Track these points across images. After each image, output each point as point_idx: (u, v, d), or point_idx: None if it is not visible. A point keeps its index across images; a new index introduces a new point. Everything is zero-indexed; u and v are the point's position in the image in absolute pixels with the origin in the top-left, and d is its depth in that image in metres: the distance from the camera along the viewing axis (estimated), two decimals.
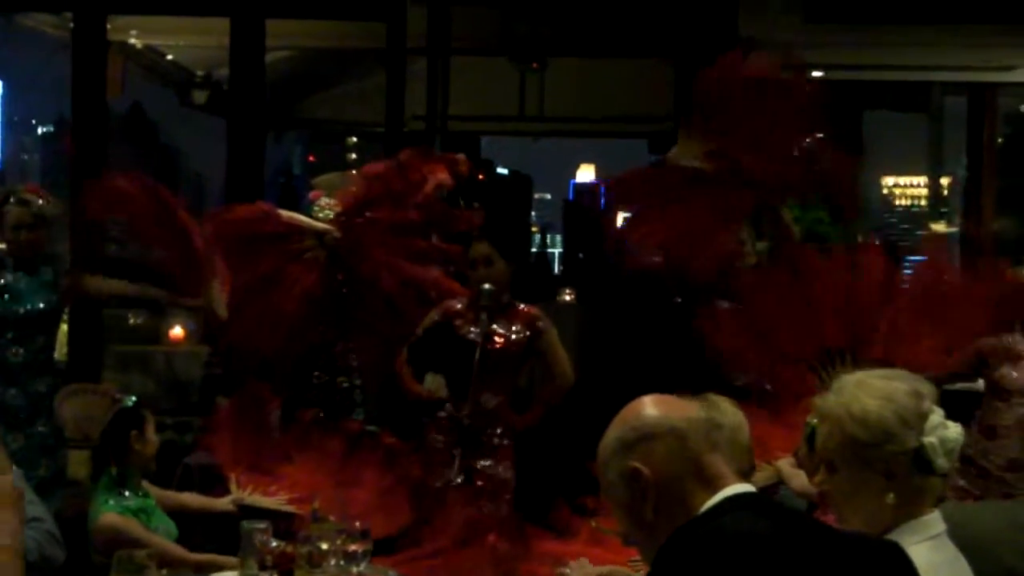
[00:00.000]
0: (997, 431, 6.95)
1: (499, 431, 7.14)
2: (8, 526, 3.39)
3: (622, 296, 9.03)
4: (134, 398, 5.19)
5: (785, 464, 4.89)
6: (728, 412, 4.20)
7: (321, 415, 7.24)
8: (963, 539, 3.23)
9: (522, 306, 7.21)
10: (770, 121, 7.04)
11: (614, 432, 2.85)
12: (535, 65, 11.19)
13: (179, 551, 4.98)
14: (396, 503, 6.82)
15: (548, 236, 18.48)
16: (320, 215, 7.45)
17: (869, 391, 3.17)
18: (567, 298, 11.76)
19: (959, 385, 6.73)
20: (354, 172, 8.37)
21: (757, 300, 7.16)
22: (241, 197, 8.48)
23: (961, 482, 6.67)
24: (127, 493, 5.08)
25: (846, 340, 6.81)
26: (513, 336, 7.11)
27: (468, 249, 7.18)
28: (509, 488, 7.15)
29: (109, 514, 4.91)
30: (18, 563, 3.29)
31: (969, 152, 11.86)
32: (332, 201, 7.48)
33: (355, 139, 11.84)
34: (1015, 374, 6.95)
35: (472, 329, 7.01)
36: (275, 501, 6.06)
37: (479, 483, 7.09)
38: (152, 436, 5.24)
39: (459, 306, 7.10)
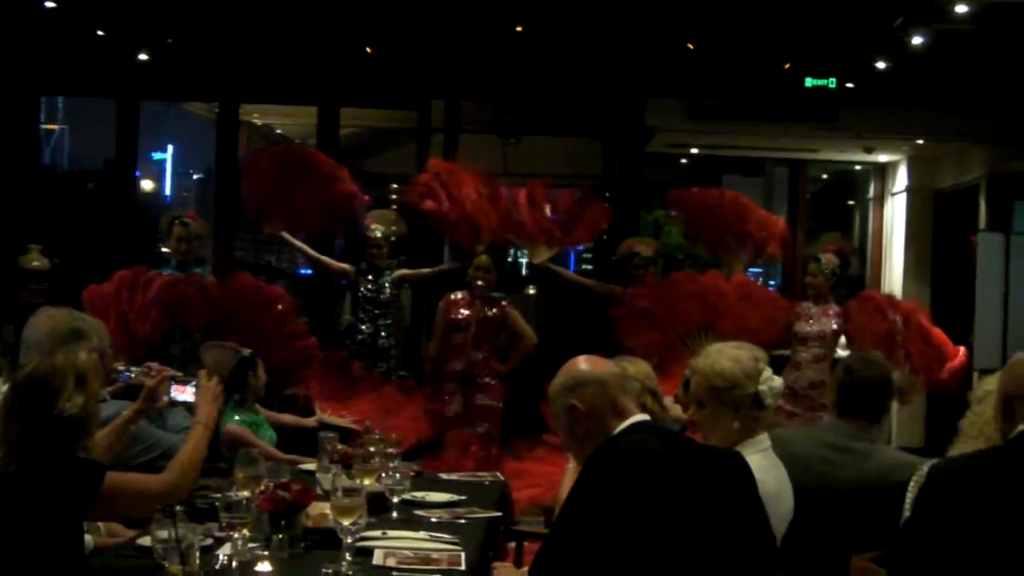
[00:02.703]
0: (801, 364, 7.08)
1: (487, 375, 7.19)
2: (212, 415, 3.49)
3: (566, 291, 9.00)
4: (250, 350, 5.15)
5: (668, 401, 4.87)
6: (641, 366, 4.17)
7: (365, 364, 7.28)
8: (786, 456, 3.24)
9: (499, 299, 7.32)
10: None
11: (559, 379, 2.87)
12: (513, 140, 11.15)
13: (276, 452, 4.95)
14: (420, 425, 6.83)
15: (518, 251, 18.41)
16: (371, 235, 7.46)
17: (725, 355, 3.21)
18: (531, 291, 11.72)
19: (777, 352, 6.81)
20: (394, 207, 8.38)
21: (652, 297, 7.27)
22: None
23: (785, 405, 6.76)
24: (244, 411, 5.06)
25: (706, 323, 6.98)
26: (493, 315, 7.20)
27: (474, 258, 7.25)
28: (498, 412, 7.21)
29: (231, 425, 4.89)
30: (208, 435, 3.42)
31: (789, 203, 11.84)
32: (380, 226, 7.48)
33: (396, 186, 11.71)
34: (807, 328, 7.15)
35: (464, 311, 7.14)
36: (344, 421, 6.03)
37: (475, 412, 7.14)
38: (262, 375, 5.20)
39: (453, 297, 7.25)
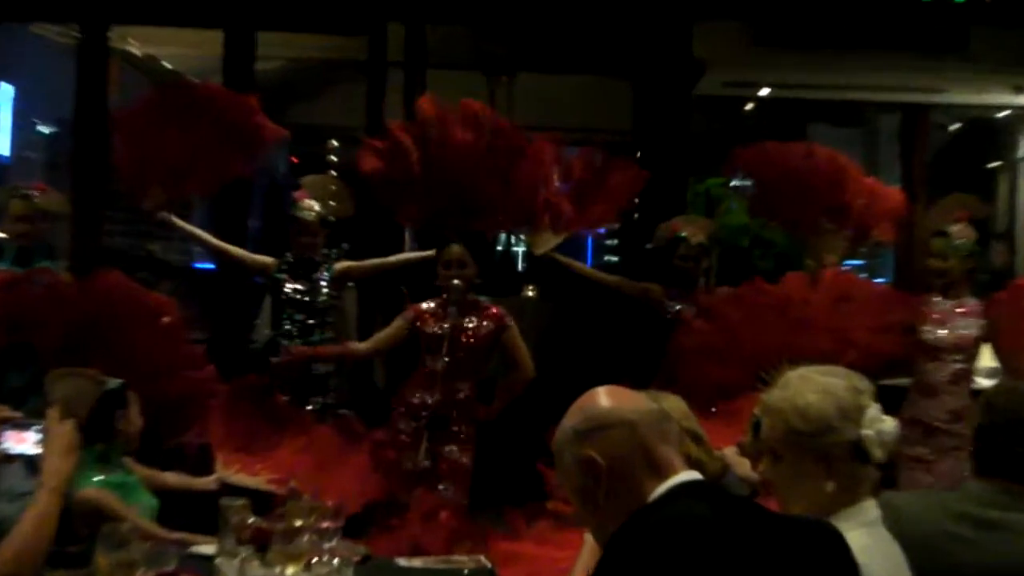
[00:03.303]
0: (935, 388, 7.01)
1: (463, 420, 7.14)
2: (63, 473, 3.50)
3: (581, 293, 8.98)
4: (120, 381, 5.11)
5: (730, 452, 4.83)
6: (672, 401, 4.13)
7: (292, 397, 7.25)
8: (903, 532, 3.17)
9: (490, 305, 7.26)
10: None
11: (570, 421, 2.82)
12: (504, 78, 11.17)
13: (155, 528, 4.90)
14: (370, 484, 6.78)
15: (513, 236, 18.45)
16: (302, 215, 7.43)
17: (811, 386, 3.15)
18: (530, 294, 11.74)
19: (887, 381, 6.72)
20: (334, 173, 8.32)
21: (724, 314, 7.15)
22: (228, 191, 8.37)
23: (916, 450, 6.72)
24: (110, 469, 5.04)
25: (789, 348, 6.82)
26: (482, 330, 7.13)
27: (442, 251, 7.18)
28: (468, 473, 7.15)
29: (88, 488, 4.84)
30: (58, 503, 3.44)
31: (902, 165, 11.87)
32: (315, 203, 7.45)
33: (335, 142, 11.70)
34: (938, 333, 7.06)
35: (439, 325, 7.07)
36: (257, 480, 6.01)
37: (443, 467, 7.08)
38: (135, 418, 5.20)
39: (425, 306, 7.17)
